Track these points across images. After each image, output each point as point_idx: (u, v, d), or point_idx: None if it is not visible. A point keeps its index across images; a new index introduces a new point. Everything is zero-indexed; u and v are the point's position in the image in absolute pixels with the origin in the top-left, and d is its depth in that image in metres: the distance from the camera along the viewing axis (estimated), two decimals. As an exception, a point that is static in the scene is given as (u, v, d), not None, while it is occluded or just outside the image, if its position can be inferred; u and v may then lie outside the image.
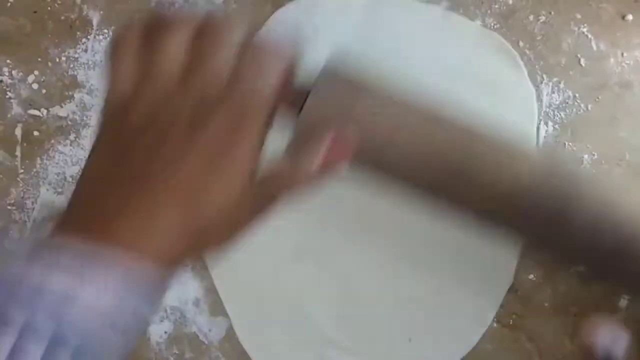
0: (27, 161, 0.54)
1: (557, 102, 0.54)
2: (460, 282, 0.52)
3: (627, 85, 0.54)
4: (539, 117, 0.54)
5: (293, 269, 0.53)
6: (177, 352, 0.53)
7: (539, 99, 0.54)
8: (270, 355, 0.53)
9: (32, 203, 0.54)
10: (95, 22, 0.56)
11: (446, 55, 0.55)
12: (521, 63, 0.55)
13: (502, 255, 0.52)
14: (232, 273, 0.54)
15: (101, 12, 0.56)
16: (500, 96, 0.54)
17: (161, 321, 0.53)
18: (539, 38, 0.55)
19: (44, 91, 0.55)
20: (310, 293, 0.53)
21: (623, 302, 0.51)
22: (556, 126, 0.54)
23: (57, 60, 0.55)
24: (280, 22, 0.56)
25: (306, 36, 0.53)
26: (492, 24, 0.55)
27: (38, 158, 0.54)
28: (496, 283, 0.52)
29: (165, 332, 0.53)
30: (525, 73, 0.55)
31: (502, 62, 0.55)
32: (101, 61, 0.55)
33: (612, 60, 0.55)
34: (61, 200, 0.54)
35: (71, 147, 0.54)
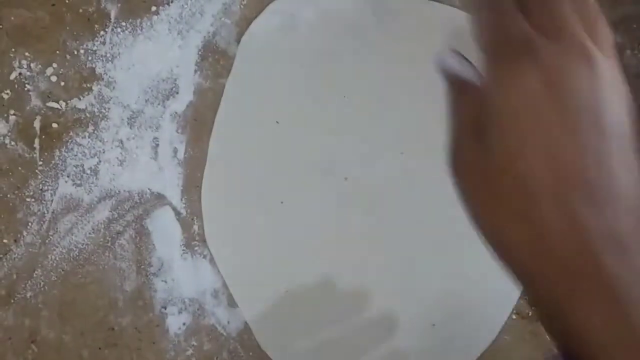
0: (45, 153, 0.54)
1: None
2: (480, 277, 0.52)
3: (644, 78, 0.55)
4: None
5: (308, 263, 0.54)
6: (195, 344, 0.53)
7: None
8: (287, 349, 0.53)
9: (51, 195, 0.54)
10: (113, 14, 0.56)
11: (421, 43, 0.54)
12: None
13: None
14: (242, 273, 0.54)
15: (119, 4, 0.56)
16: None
17: (179, 313, 0.53)
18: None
19: (62, 83, 0.55)
20: (329, 279, 0.53)
21: None
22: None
23: (76, 52, 0.55)
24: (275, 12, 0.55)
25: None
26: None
27: (57, 150, 0.54)
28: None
29: (184, 324, 0.53)
30: None
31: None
32: (120, 54, 0.55)
33: (627, 52, 0.55)
34: (80, 193, 0.54)
35: (89, 140, 0.54)
